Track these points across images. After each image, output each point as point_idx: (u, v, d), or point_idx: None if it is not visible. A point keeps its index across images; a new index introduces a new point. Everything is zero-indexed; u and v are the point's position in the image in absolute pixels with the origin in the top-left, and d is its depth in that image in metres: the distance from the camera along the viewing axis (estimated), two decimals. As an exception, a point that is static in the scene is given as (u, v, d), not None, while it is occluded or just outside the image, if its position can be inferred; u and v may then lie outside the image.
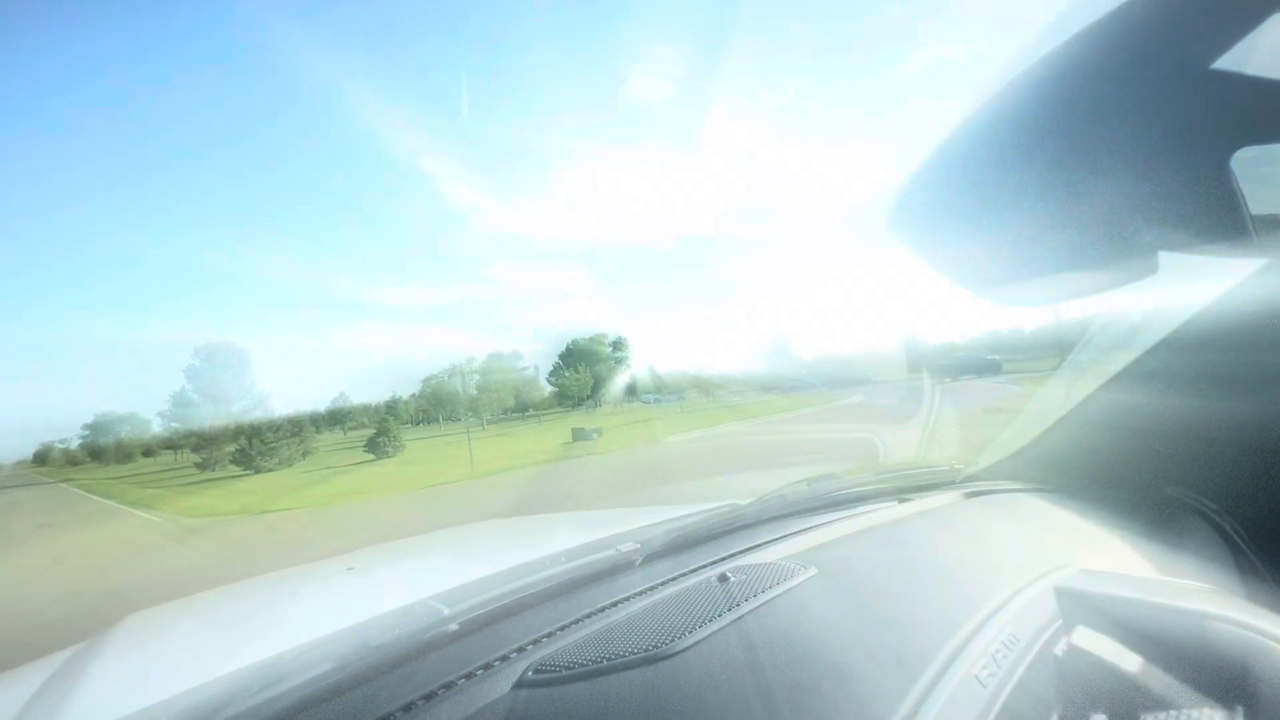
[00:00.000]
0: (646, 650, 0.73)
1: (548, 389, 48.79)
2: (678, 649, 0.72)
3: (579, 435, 20.10)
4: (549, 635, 0.80)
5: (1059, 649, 0.76)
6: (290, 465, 25.36)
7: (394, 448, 24.72)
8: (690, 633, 0.75)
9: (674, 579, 0.95)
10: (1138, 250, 0.62)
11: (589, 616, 0.85)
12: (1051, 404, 1.50)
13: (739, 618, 0.79)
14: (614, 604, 0.88)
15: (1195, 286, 1.04)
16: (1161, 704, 0.66)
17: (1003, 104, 0.62)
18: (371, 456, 24.33)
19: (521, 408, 46.56)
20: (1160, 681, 0.69)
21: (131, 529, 12.56)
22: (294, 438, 26.76)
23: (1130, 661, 0.72)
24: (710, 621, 0.78)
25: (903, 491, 1.39)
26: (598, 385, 44.73)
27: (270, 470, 24.37)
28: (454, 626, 0.78)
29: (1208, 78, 0.51)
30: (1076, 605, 0.82)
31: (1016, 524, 1.26)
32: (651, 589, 0.92)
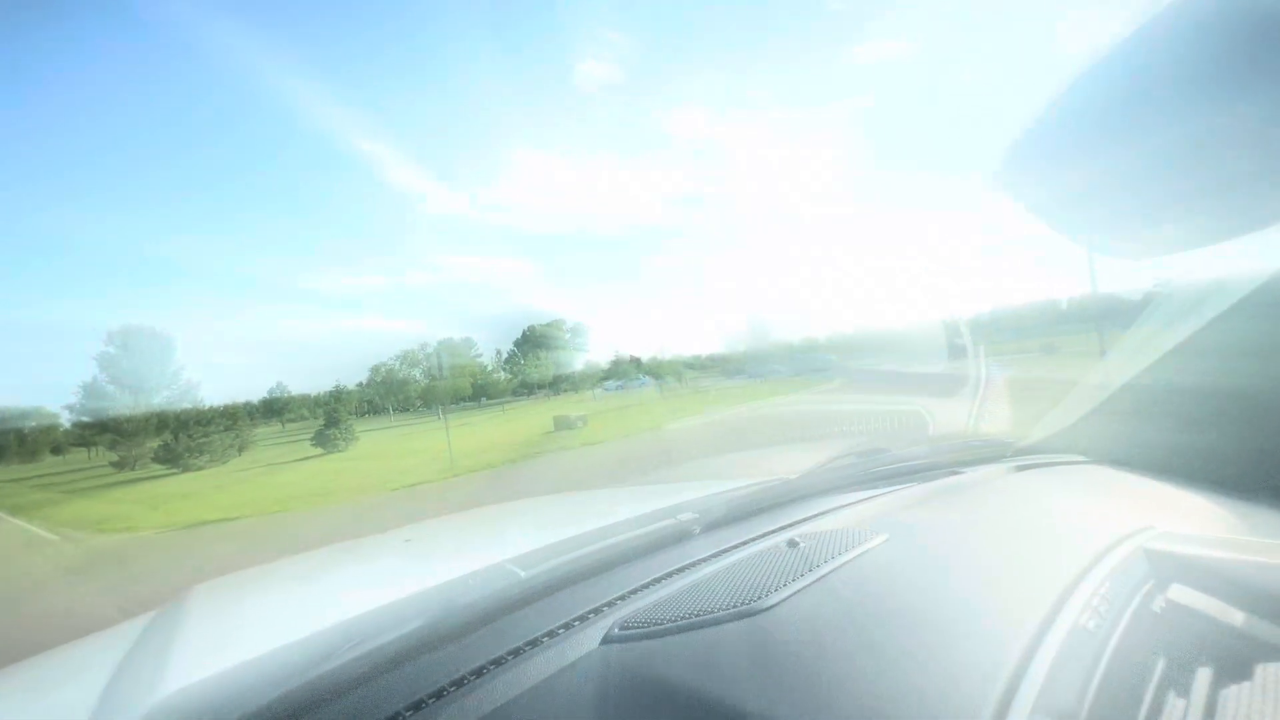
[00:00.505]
0: (732, 607, 0.77)
1: (505, 376, 46.98)
2: (765, 606, 0.76)
3: (562, 424, 17.94)
4: (624, 597, 0.85)
5: (1157, 605, 0.77)
6: (224, 462, 22.48)
7: (345, 441, 22.35)
8: (773, 592, 0.79)
9: (739, 545, 1.01)
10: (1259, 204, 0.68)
11: (663, 579, 0.90)
12: (1105, 378, 1.47)
13: (821, 577, 0.82)
14: (682, 568, 0.93)
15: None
16: (1273, 653, 0.67)
17: (1134, 49, 0.68)
18: (320, 450, 21.87)
19: (477, 396, 44.32)
20: (1268, 631, 0.70)
21: None
22: (228, 431, 23.77)
23: (1233, 616, 0.73)
24: (792, 581, 0.81)
25: (957, 465, 1.41)
26: (558, 372, 43.47)
27: (201, 468, 21.49)
28: (531, 588, 0.84)
29: None
30: (1168, 565, 0.83)
31: (1085, 493, 1.26)
32: (717, 555, 0.98)
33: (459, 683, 0.67)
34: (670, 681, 0.65)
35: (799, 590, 0.78)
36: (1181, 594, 0.78)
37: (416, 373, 39.55)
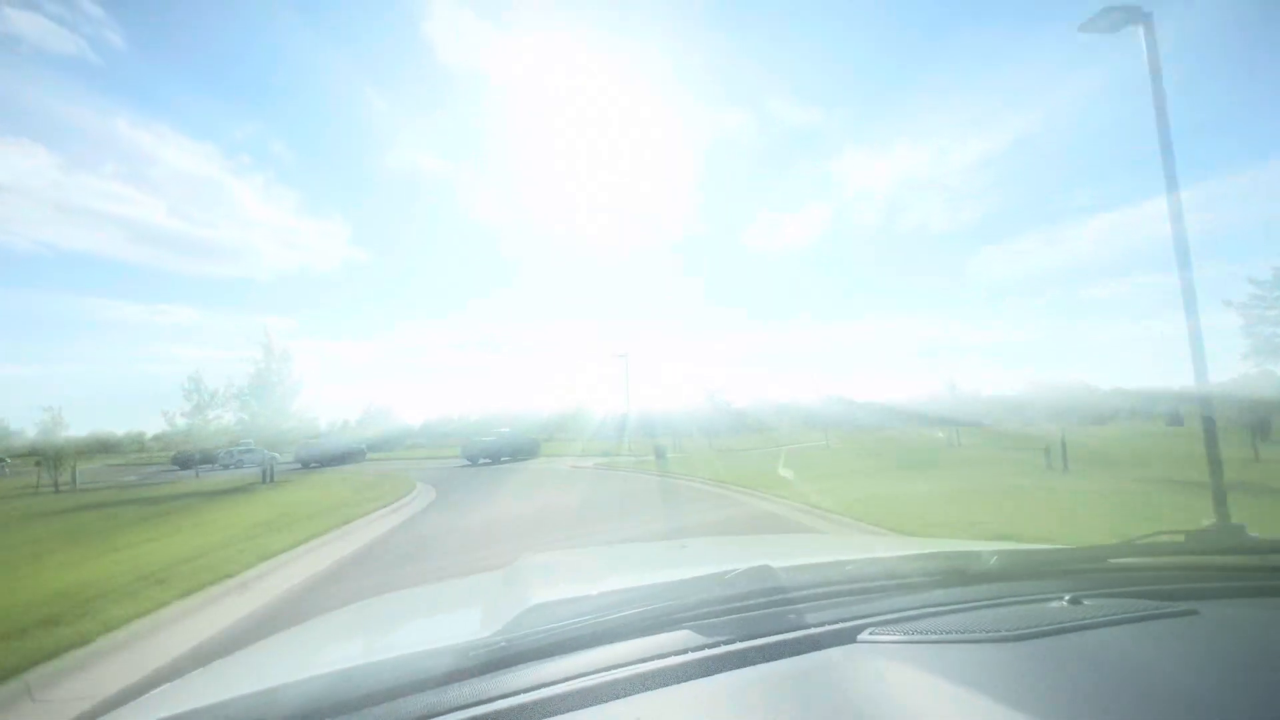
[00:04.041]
0: (986, 633, 0.82)
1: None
2: (1012, 638, 0.80)
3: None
4: (883, 613, 0.94)
5: None
6: None
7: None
8: (1031, 629, 0.83)
9: (1020, 599, 1.03)
10: None
11: (927, 608, 0.97)
12: None
13: (1093, 626, 0.84)
14: (961, 603, 1.00)
15: None
16: None
17: None
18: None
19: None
20: None
21: None
22: None
23: None
24: (1058, 628, 0.84)
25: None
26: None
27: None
28: (793, 593, 0.98)
29: None
30: None
31: None
32: (997, 600, 1.02)
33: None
34: (913, 683, 0.72)
35: (1063, 632, 0.83)
36: None
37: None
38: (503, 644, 0.83)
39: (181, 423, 21.36)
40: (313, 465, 35.16)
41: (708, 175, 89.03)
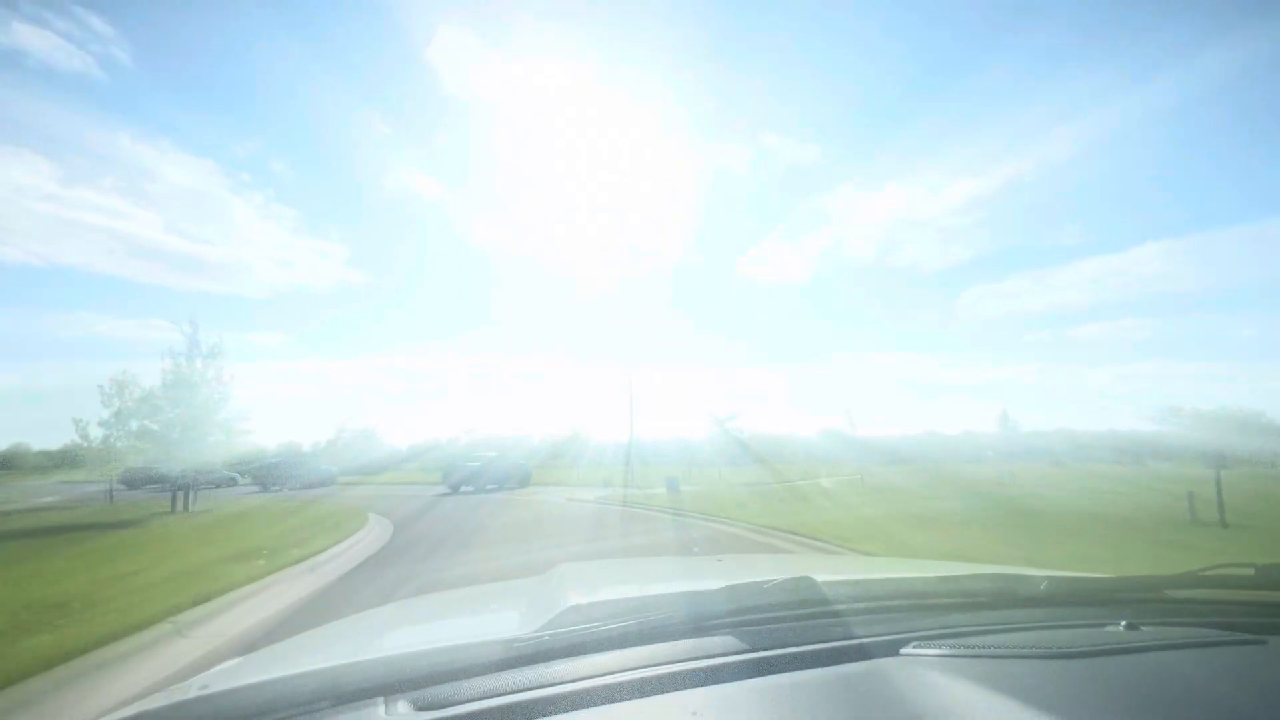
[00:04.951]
0: (1036, 650, 0.82)
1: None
2: (1064, 655, 0.79)
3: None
4: (926, 629, 0.93)
5: None
6: None
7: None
8: (1084, 649, 0.81)
9: (1072, 623, 1.00)
10: None
11: (973, 627, 0.96)
12: None
13: (1152, 649, 0.82)
14: (1009, 624, 0.98)
15: None
16: None
17: None
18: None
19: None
20: None
21: None
22: None
23: None
24: (1114, 649, 0.82)
25: None
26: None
27: None
28: (835, 605, 0.98)
29: None
30: None
31: None
32: (1047, 623, 0.99)
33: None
34: (951, 693, 0.70)
35: (1115, 653, 0.81)
36: None
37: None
38: (548, 638, 0.85)
39: (97, 433, 17.10)
40: (273, 489, 31.22)
41: (705, 207, 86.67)
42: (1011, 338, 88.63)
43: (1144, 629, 0.91)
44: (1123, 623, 0.94)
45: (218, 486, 37.11)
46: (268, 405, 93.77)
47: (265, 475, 32.72)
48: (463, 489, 26.05)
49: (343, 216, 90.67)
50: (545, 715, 0.70)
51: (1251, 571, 1.12)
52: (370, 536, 11.32)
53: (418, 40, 69.17)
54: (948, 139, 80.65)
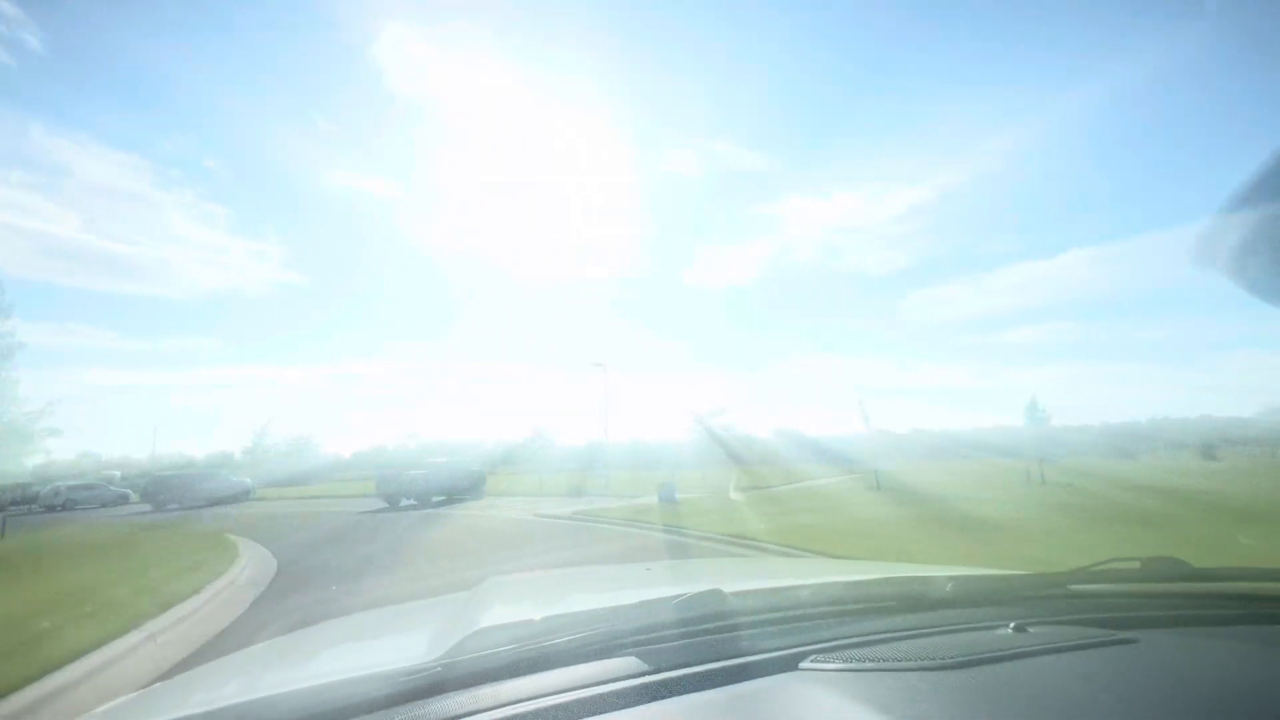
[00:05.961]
0: (924, 661, 0.80)
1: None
2: (952, 665, 0.79)
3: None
4: (827, 640, 0.92)
5: None
6: None
7: None
8: (970, 657, 0.81)
9: (969, 626, 1.01)
10: None
11: (874, 635, 0.96)
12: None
13: (1032, 654, 0.84)
14: (909, 630, 0.98)
15: None
16: None
17: None
18: None
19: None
20: None
21: None
22: None
23: None
24: (996, 656, 0.82)
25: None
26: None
27: None
28: (741, 618, 0.95)
29: None
30: None
31: None
32: (946, 627, 1.00)
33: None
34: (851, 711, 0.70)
35: (1005, 660, 0.82)
36: None
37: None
38: (439, 669, 0.81)
39: None
40: (168, 507, 25.35)
41: (651, 213, 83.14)
42: (947, 340, 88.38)
43: (1031, 630, 0.94)
44: (1011, 625, 0.96)
45: (103, 505, 31.18)
46: (198, 415, 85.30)
47: (157, 491, 26.69)
48: (402, 503, 20.99)
49: (281, 216, 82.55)
50: None
51: (1137, 565, 1.18)
52: (233, 592, 6.59)
53: (360, 38, 63.35)
54: (889, 148, 79.88)
